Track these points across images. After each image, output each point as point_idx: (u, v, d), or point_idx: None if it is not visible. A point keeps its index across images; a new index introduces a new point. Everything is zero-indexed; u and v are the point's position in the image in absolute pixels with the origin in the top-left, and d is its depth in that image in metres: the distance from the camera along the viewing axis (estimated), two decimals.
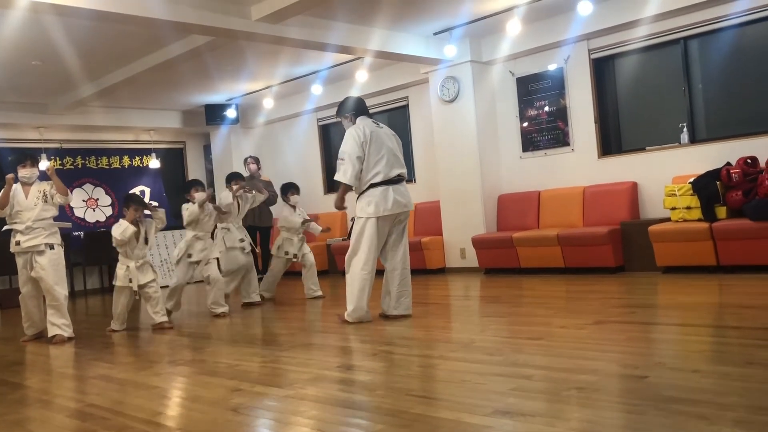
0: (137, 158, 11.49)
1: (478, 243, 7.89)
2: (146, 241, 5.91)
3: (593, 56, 7.62)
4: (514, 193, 8.25)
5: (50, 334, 5.56)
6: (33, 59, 7.37)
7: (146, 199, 11.40)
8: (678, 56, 7.12)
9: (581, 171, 7.73)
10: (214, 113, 10.67)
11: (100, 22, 5.93)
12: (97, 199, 10.89)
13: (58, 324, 5.53)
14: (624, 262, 6.97)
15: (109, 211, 11.02)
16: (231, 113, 10.68)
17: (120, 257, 5.90)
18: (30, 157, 5.63)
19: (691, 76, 7.09)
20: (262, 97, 10.11)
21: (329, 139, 10.81)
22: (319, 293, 7.08)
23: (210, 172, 12.07)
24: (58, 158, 10.56)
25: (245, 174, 8.67)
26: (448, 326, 4.97)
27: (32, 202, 5.49)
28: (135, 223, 5.80)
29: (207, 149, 12.17)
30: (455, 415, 2.67)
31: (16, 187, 5.49)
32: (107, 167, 11.12)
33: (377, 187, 5.00)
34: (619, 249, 6.94)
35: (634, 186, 7.30)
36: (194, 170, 12.32)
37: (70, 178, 10.24)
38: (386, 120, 9.96)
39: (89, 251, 10.05)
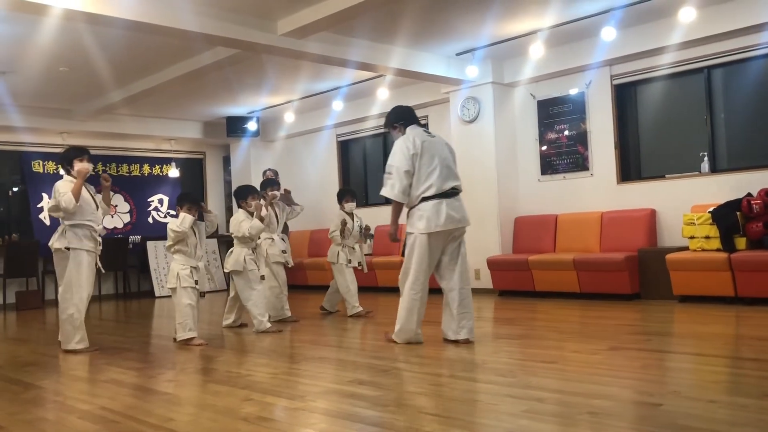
0: (157, 167, 11.60)
1: (494, 264, 7.86)
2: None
3: (615, 82, 7.62)
4: (532, 216, 8.22)
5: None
6: (61, 65, 7.49)
7: (164, 208, 11.53)
8: (701, 85, 7.11)
9: (600, 196, 7.71)
10: (235, 125, 10.76)
11: (127, 31, 6.03)
12: (116, 206, 10.98)
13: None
14: (640, 290, 6.90)
15: (127, 218, 11.12)
16: (252, 126, 10.77)
17: (178, 260, 5.50)
18: (86, 151, 5.41)
19: (713, 106, 7.06)
20: (283, 111, 10.20)
21: (348, 154, 10.87)
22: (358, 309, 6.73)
23: (228, 184, 12.15)
24: None
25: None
26: (460, 346, 4.93)
27: (97, 203, 5.42)
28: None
29: (226, 161, 12.27)
30: None
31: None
32: (127, 174, 11.23)
33: (429, 201, 4.67)
34: (635, 276, 6.88)
35: (653, 213, 7.26)
36: (213, 181, 12.43)
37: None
38: None
39: (105, 257, 10.06)
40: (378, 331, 5.89)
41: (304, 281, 10.13)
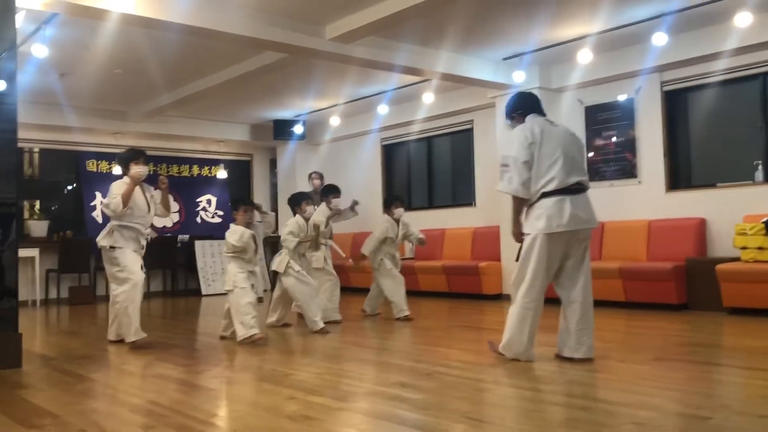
0: (206, 168, 11.83)
1: None
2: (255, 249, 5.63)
3: (665, 89, 7.49)
4: None
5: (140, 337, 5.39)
6: (116, 68, 7.72)
7: (212, 208, 11.76)
8: (756, 92, 6.93)
9: (647, 204, 7.57)
10: (282, 128, 10.92)
11: (180, 35, 6.18)
12: None
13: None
14: (687, 300, 6.76)
15: (176, 218, 11.38)
16: (298, 129, 10.90)
17: (233, 264, 5.51)
18: (143, 154, 5.51)
19: None
20: (329, 114, 10.31)
21: (392, 159, 10.91)
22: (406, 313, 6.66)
23: (274, 186, 12.33)
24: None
25: (309, 189, 8.82)
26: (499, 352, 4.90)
27: (150, 206, 5.54)
28: (248, 226, 5.58)
29: (273, 163, 12.45)
30: None
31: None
32: (177, 175, 11.48)
33: (550, 197, 4.13)
34: (682, 286, 6.74)
35: (702, 222, 7.10)
36: (260, 183, 12.63)
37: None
38: (449, 142, 10.00)
39: (154, 255, 10.34)
40: (420, 335, 5.91)
41: (347, 283, 10.17)
